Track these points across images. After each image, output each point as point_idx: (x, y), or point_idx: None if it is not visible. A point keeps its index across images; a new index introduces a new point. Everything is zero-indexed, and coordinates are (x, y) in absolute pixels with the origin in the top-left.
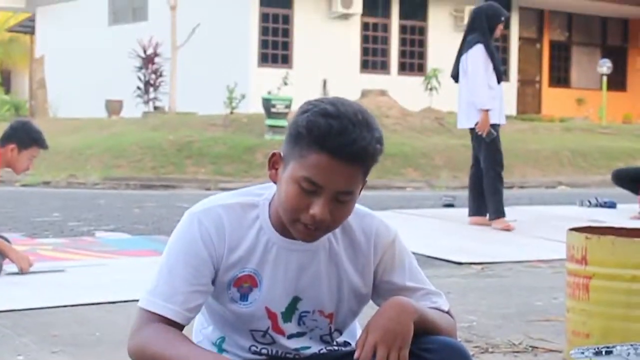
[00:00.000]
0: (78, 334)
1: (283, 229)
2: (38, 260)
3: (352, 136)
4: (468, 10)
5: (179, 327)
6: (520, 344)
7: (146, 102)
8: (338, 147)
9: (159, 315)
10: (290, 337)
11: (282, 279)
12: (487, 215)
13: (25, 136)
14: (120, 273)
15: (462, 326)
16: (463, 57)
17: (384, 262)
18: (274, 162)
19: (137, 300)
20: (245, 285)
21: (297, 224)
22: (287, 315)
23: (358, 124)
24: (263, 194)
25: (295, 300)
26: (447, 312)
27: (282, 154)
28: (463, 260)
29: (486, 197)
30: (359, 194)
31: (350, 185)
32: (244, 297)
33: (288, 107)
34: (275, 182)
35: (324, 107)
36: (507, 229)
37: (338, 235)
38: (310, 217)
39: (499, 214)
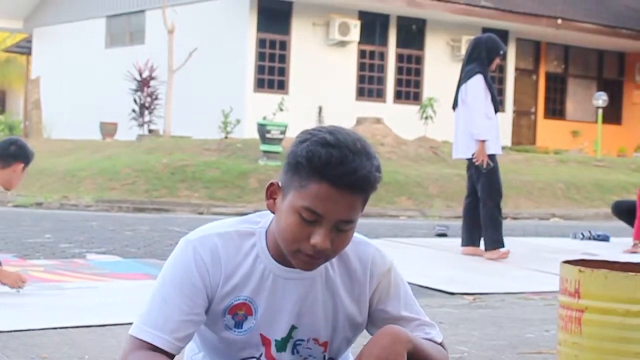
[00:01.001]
0: (67, 356)
1: (280, 257)
2: (30, 282)
3: (352, 165)
4: (465, 40)
5: (169, 356)
6: None
7: (141, 125)
8: (339, 176)
9: (149, 343)
10: None
11: (279, 308)
12: (481, 245)
13: (30, 154)
14: (111, 296)
15: (453, 357)
16: (462, 87)
17: (379, 290)
18: (272, 192)
19: (128, 324)
20: (241, 313)
21: (297, 254)
22: (282, 343)
23: (358, 153)
24: (260, 221)
25: (292, 328)
26: (440, 344)
27: (280, 184)
28: (455, 291)
29: (484, 227)
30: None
31: (350, 214)
32: (238, 324)
33: (283, 133)
34: (273, 212)
35: (323, 136)
36: (503, 257)
37: (334, 263)
38: (310, 246)
39: (498, 244)
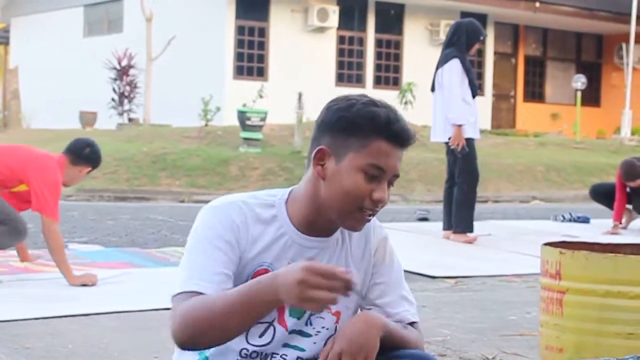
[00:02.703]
0: (51, 346)
1: (302, 227)
2: (10, 273)
3: (403, 122)
4: (444, 24)
5: None
6: (494, 359)
7: (120, 114)
8: (397, 133)
9: (194, 292)
10: (291, 332)
11: None
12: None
13: (100, 161)
14: (93, 285)
15: (436, 340)
16: (439, 71)
17: (376, 256)
18: (320, 157)
19: (111, 313)
20: None
21: (354, 214)
22: (297, 312)
23: (399, 113)
24: (276, 194)
25: None
26: (414, 323)
27: (328, 149)
28: (437, 274)
29: (456, 208)
30: None
31: (399, 168)
32: None
33: (263, 119)
34: (323, 178)
35: (368, 99)
36: (469, 242)
37: (345, 232)
38: (373, 202)
39: (467, 229)
